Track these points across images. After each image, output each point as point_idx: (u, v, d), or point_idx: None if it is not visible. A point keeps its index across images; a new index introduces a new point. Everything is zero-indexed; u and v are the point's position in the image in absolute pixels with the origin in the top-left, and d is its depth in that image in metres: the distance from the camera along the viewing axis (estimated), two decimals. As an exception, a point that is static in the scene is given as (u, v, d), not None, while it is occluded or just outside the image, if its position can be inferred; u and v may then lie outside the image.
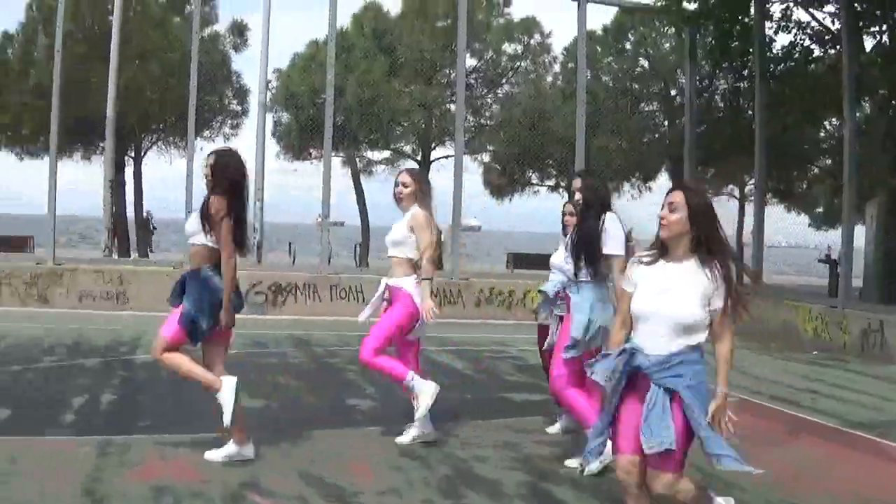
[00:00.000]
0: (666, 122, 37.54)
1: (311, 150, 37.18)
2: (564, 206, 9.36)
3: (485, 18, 35.70)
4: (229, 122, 35.89)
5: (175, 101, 30.65)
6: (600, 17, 42.60)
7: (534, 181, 40.23)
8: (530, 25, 36.45)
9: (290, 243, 44.18)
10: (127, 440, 8.54)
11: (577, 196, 8.33)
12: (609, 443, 5.85)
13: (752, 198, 40.08)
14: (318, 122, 27.85)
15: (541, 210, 41.65)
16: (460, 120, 23.42)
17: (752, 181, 34.20)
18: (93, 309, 19.72)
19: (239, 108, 35.78)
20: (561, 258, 8.64)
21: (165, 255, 37.02)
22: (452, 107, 34.66)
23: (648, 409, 5.42)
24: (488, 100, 37.96)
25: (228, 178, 7.79)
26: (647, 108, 37.99)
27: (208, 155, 8.07)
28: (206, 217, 7.69)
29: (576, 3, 23.26)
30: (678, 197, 5.53)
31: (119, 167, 30.10)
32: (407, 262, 8.81)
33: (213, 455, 7.95)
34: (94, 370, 12.63)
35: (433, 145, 38.19)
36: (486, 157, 39.82)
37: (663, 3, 23.55)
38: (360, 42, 35.12)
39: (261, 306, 20.33)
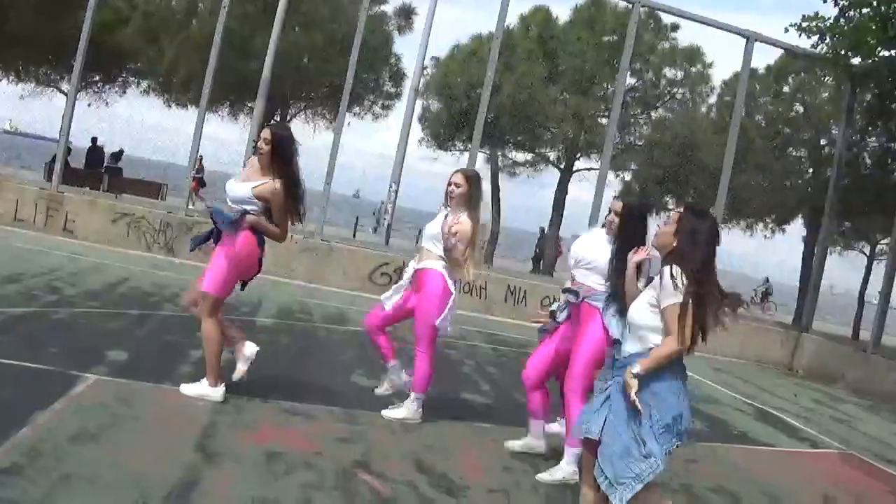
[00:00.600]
0: (811, 171, 36.74)
1: (457, 142, 37.05)
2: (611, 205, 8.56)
3: (650, 40, 35.22)
4: (381, 102, 35.68)
5: (331, 74, 30.65)
6: (764, 57, 41.66)
7: (670, 206, 39.78)
8: (693, 54, 35.92)
9: (420, 230, 43.67)
10: (242, 401, 8.49)
11: (612, 216, 8.10)
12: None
13: (883, 258, 39.81)
14: (469, 115, 27.71)
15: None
16: (610, 136, 23.13)
17: (886, 241, 33.96)
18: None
19: (393, 90, 35.62)
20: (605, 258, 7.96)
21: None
22: (603, 120, 34.38)
23: (594, 398, 5.98)
24: (640, 120, 37.51)
25: (289, 156, 8.31)
26: (794, 154, 37.23)
27: (268, 127, 8.47)
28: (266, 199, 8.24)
29: (743, 40, 22.85)
30: (675, 214, 5.87)
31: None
32: (437, 257, 8.91)
33: (188, 389, 8.41)
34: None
35: (577, 156, 37.84)
36: (627, 176, 39.42)
37: (830, 54, 22.91)
38: (524, 43, 34.89)
39: (384, 287, 20.15)
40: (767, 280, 44.61)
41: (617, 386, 5.69)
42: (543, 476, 7.88)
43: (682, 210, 5.85)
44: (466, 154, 36.57)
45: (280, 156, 8.22)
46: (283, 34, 23.81)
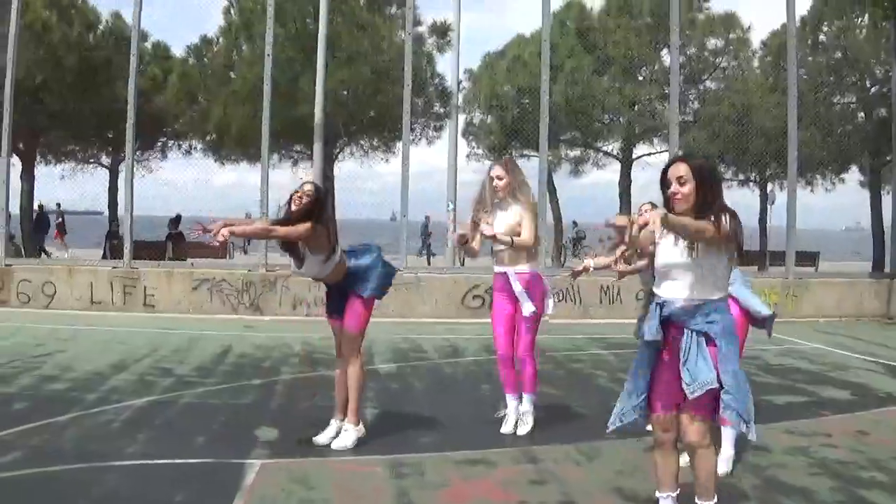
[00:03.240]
0: (862, 114, 36.19)
1: (512, 151, 36.53)
2: (642, 206, 9.01)
3: (686, 13, 34.75)
4: (433, 124, 34.90)
5: (380, 105, 30.19)
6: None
7: (727, 176, 39.44)
8: (731, 20, 35.50)
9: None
10: (416, 459, 8.28)
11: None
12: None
13: None
14: (522, 122, 27.38)
15: (735, 205, 41.32)
16: (674, 116, 22.93)
17: None
18: (308, 316, 19.26)
19: (442, 110, 34.84)
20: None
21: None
22: (657, 104, 34.07)
23: (685, 355, 5.65)
24: (690, 96, 36.96)
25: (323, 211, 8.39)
26: (841, 101, 36.72)
27: (310, 184, 8.62)
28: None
29: None
30: (683, 170, 5.68)
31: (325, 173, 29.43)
32: (520, 254, 9.07)
33: (341, 443, 8.62)
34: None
35: (635, 143, 37.42)
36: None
37: None
38: (564, 41, 34.32)
39: (478, 310, 19.74)
40: (576, 224, 43.47)
41: (718, 336, 5.65)
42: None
43: (685, 164, 5.75)
44: (519, 162, 36.20)
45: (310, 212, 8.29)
46: (327, 73, 23.55)
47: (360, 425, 8.73)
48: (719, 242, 5.60)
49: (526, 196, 9.08)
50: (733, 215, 5.62)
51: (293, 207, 8.31)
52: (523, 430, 9.16)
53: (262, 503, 6.91)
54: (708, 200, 5.62)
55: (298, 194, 8.30)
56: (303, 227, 8.12)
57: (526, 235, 8.90)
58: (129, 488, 7.22)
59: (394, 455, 8.28)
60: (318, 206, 8.28)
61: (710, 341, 5.63)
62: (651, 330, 5.80)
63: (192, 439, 8.82)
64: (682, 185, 5.64)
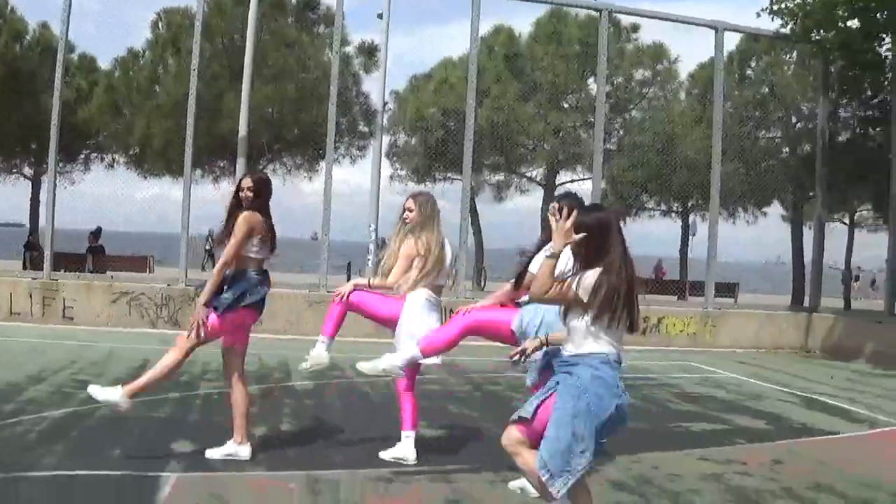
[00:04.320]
0: (786, 150, 36.68)
1: (435, 173, 36.60)
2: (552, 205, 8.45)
3: (614, 43, 35.01)
4: (357, 143, 34.99)
5: (305, 123, 30.14)
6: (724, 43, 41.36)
7: (649, 206, 39.70)
8: (659, 52, 35.81)
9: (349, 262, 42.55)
10: (332, 475, 8.31)
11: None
12: None
13: (863, 227, 40.71)
14: (447, 145, 27.43)
15: (653, 233, 41.61)
16: (599, 145, 23.18)
17: (866, 209, 37.61)
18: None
19: (366, 129, 34.88)
20: None
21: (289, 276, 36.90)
22: (581, 133, 34.30)
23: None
24: (615, 125, 37.25)
25: (267, 200, 8.65)
26: (766, 135, 37.18)
27: (250, 176, 8.74)
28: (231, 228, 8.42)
29: (712, 31, 23.75)
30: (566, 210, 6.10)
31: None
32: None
33: (214, 453, 8.61)
34: (257, 398, 12.08)
35: (558, 170, 37.63)
36: (602, 183, 39.26)
37: (800, 32, 23.31)
38: (491, 65, 34.47)
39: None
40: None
41: (564, 384, 5.75)
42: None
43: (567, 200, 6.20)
44: (441, 185, 36.27)
45: (264, 199, 8.60)
46: (253, 89, 23.53)
47: (248, 445, 8.67)
48: (576, 303, 5.74)
49: (417, 237, 9.07)
50: (606, 270, 5.69)
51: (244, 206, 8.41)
52: (386, 454, 9.00)
53: (177, 516, 6.86)
54: (590, 248, 5.78)
55: (241, 190, 8.46)
56: (239, 230, 8.27)
57: (390, 279, 9.01)
58: (44, 499, 7.19)
59: (310, 471, 8.30)
60: (263, 194, 8.54)
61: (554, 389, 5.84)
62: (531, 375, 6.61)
63: (108, 452, 8.76)
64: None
